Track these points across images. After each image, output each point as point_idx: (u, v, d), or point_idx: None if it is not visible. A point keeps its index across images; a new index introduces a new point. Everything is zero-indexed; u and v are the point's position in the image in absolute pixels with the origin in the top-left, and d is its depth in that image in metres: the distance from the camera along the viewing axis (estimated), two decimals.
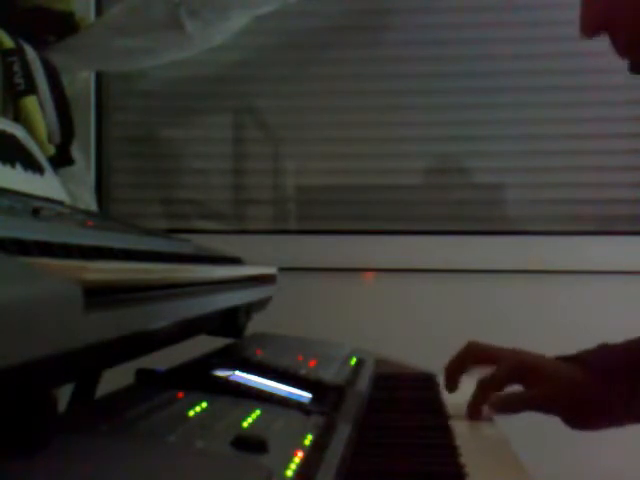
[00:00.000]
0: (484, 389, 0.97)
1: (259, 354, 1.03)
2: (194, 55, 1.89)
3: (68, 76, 1.79)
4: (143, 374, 0.79)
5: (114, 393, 0.70)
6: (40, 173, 1.07)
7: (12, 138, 1.08)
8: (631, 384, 0.95)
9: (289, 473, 0.57)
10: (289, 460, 0.59)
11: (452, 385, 1.01)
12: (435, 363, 1.21)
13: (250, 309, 1.10)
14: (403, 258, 1.92)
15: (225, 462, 0.55)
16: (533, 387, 0.97)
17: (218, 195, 2.11)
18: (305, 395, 0.85)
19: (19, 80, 1.51)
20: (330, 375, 0.99)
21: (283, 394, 0.82)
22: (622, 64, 0.83)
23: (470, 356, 1.01)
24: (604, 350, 0.99)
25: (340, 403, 0.87)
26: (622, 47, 0.81)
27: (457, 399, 1.01)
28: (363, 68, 2.03)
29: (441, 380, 1.05)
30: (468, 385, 1.16)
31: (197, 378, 0.79)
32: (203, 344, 0.99)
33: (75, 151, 1.67)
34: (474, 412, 0.94)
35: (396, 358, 1.28)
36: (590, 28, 0.80)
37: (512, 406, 0.95)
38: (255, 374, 0.87)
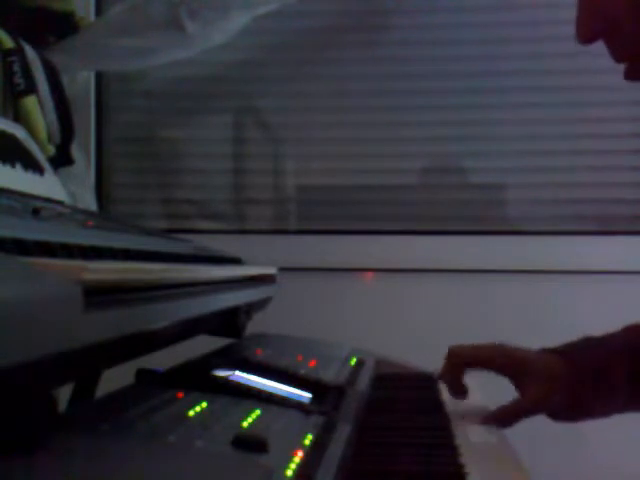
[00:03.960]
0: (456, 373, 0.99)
1: (259, 354, 1.03)
2: (194, 55, 1.89)
3: (68, 76, 1.79)
4: (143, 374, 0.79)
5: (114, 393, 0.70)
6: (40, 173, 1.07)
7: (12, 138, 1.08)
8: (615, 377, 0.96)
9: (289, 473, 0.57)
10: (289, 460, 0.59)
11: (457, 392, 1.01)
12: (435, 363, 1.21)
13: (250, 309, 1.10)
14: (403, 258, 1.92)
15: (225, 462, 0.55)
16: (520, 385, 0.97)
17: (218, 195, 2.11)
18: (305, 395, 0.85)
19: (19, 80, 1.51)
20: (330, 375, 0.99)
21: (283, 394, 0.82)
22: (622, 65, 0.83)
23: (456, 363, 1.00)
24: (588, 343, 1.00)
25: (340, 403, 0.87)
26: (619, 53, 0.81)
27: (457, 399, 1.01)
28: (363, 68, 2.03)
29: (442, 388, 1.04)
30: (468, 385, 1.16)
31: (197, 378, 0.79)
32: (203, 344, 0.99)
33: (75, 151, 1.67)
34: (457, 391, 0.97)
35: (396, 358, 1.28)
36: (587, 34, 0.80)
37: (505, 421, 0.95)
38: (255, 374, 0.87)
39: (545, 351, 1.00)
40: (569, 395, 0.96)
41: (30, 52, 1.56)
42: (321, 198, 2.07)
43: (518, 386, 0.98)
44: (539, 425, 1.12)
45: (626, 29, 0.78)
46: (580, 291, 1.86)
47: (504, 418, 0.95)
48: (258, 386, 0.82)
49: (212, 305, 0.83)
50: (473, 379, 1.18)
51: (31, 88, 1.53)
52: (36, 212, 0.76)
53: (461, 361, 1.00)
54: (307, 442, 0.66)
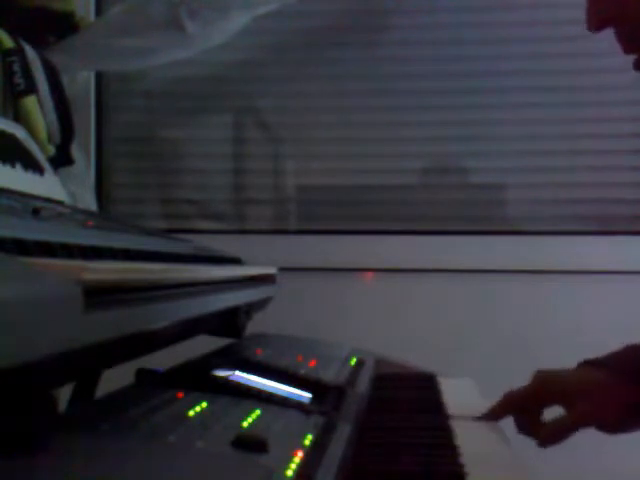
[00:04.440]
0: (509, 402, 0.95)
1: (259, 354, 1.03)
2: (194, 55, 1.89)
3: (68, 76, 1.79)
4: (143, 374, 0.79)
5: (114, 393, 0.70)
6: (40, 173, 1.07)
7: (12, 138, 1.08)
8: None
9: (289, 473, 0.57)
10: (289, 460, 0.59)
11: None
12: (435, 363, 1.21)
13: (250, 309, 1.10)
14: (403, 258, 1.92)
15: (225, 462, 0.55)
16: (569, 406, 0.94)
17: (218, 195, 2.11)
18: (305, 395, 0.85)
19: (19, 80, 1.51)
20: (330, 375, 0.99)
21: (283, 394, 0.82)
22: (622, 64, 0.83)
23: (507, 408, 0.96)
24: (630, 351, 0.97)
25: (340, 403, 0.87)
26: (628, 43, 0.80)
27: (457, 399, 1.01)
28: (363, 68, 2.03)
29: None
30: (468, 386, 1.16)
31: (197, 378, 0.79)
32: (203, 344, 0.99)
33: (75, 151, 1.67)
34: (490, 417, 0.93)
35: (396, 358, 1.28)
36: (596, 23, 0.79)
37: (558, 436, 0.93)
38: (255, 374, 0.87)
39: (586, 364, 0.96)
40: (617, 404, 0.92)
41: (30, 52, 1.56)
42: (321, 198, 2.07)
43: (567, 408, 0.95)
44: None
45: (636, 18, 0.77)
46: (580, 291, 1.86)
47: (555, 435, 0.92)
48: (258, 386, 0.82)
49: (212, 305, 0.83)
50: (472, 380, 1.18)
51: (31, 88, 1.53)
52: (36, 212, 0.76)
53: (512, 408, 0.96)
54: (307, 442, 0.66)
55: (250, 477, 0.53)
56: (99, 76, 2.09)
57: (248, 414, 0.69)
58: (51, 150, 1.54)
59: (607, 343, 1.01)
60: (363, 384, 1.05)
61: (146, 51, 1.83)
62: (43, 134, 1.52)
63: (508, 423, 0.95)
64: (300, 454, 0.61)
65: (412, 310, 1.90)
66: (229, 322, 1.04)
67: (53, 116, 1.57)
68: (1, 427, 0.44)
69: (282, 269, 1.27)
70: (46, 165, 1.12)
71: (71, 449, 0.50)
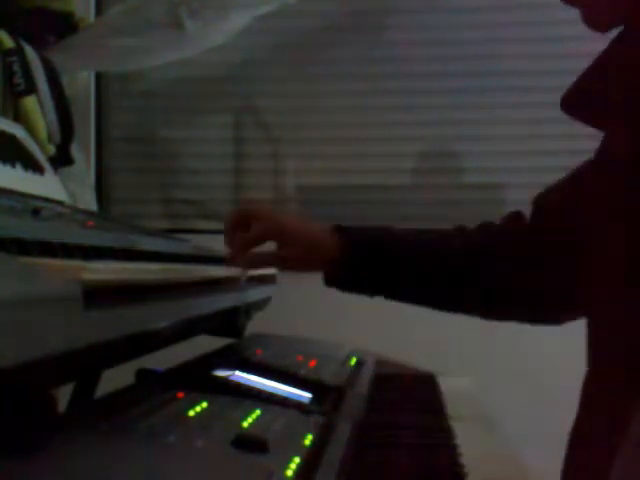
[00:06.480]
0: (240, 246, 0.96)
1: (259, 354, 1.03)
2: (194, 55, 1.89)
3: (68, 76, 1.79)
4: (143, 374, 0.79)
5: (114, 393, 0.70)
6: (40, 173, 1.07)
7: (12, 138, 1.08)
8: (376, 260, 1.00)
9: (289, 473, 0.57)
10: (289, 460, 0.59)
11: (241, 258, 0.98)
12: (435, 363, 1.21)
13: (250, 309, 1.10)
14: None
15: (225, 462, 0.55)
16: (282, 248, 0.99)
17: (218, 195, 2.11)
18: (305, 395, 0.85)
19: (19, 80, 1.51)
20: (330, 375, 0.99)
21: (283, 394, 0.82)
22: None
23: (236, 222, 0.97)
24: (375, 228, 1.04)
25: (340, 403, 0.87)
26: None
27: (457, 399, 1.01)
28: (362, 68, 2.03)
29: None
30: (468, 386, 1.16)
31: (197, 378, 0.79)
32: (203, 344, 0.99)
33: (75, 151, 1.67)
34: (233, 263, 0.96)
35: (396, 358, 1.28)
36: None
37: (260, 264, 0.97)
38: (255, 374, 0.87)
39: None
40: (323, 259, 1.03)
41: (30, 52, 1.56)
42: (321, 198, 2.07)
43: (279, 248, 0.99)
44: (539, 425, 1.12)
45: None
46: None
47: (259, 261, 0.96)
48: (258, 386, 0.82)
49: (212, 305, 0.83)
50: (472, 380, 1.18)
51: (31, 88, 1.53)
52: (36, 212, 0.76)
53: (236, 221, 0.96)
54: (307, 442, 0.66)
55: (250, 477, 0.53)
56: (99, 76, 2.09)
57: (248, 414, 0.69)
58: (51, 150, 1.54)
59: None
60: (363, 384, 1.04)
61: (146, 51, 1.83)
62: (43, 134, 1.52)
63: (508, 423, 0.95)
64: (300, 454, 0.61)
65: (412, 310, 1.90)
66: (229, 322, 1.04)
67: (53, 116, 1.57)
68: (1, 427, 0.44)
69: None
70: (46, 165, 1.12)
71: (71, 449, 0.50)
